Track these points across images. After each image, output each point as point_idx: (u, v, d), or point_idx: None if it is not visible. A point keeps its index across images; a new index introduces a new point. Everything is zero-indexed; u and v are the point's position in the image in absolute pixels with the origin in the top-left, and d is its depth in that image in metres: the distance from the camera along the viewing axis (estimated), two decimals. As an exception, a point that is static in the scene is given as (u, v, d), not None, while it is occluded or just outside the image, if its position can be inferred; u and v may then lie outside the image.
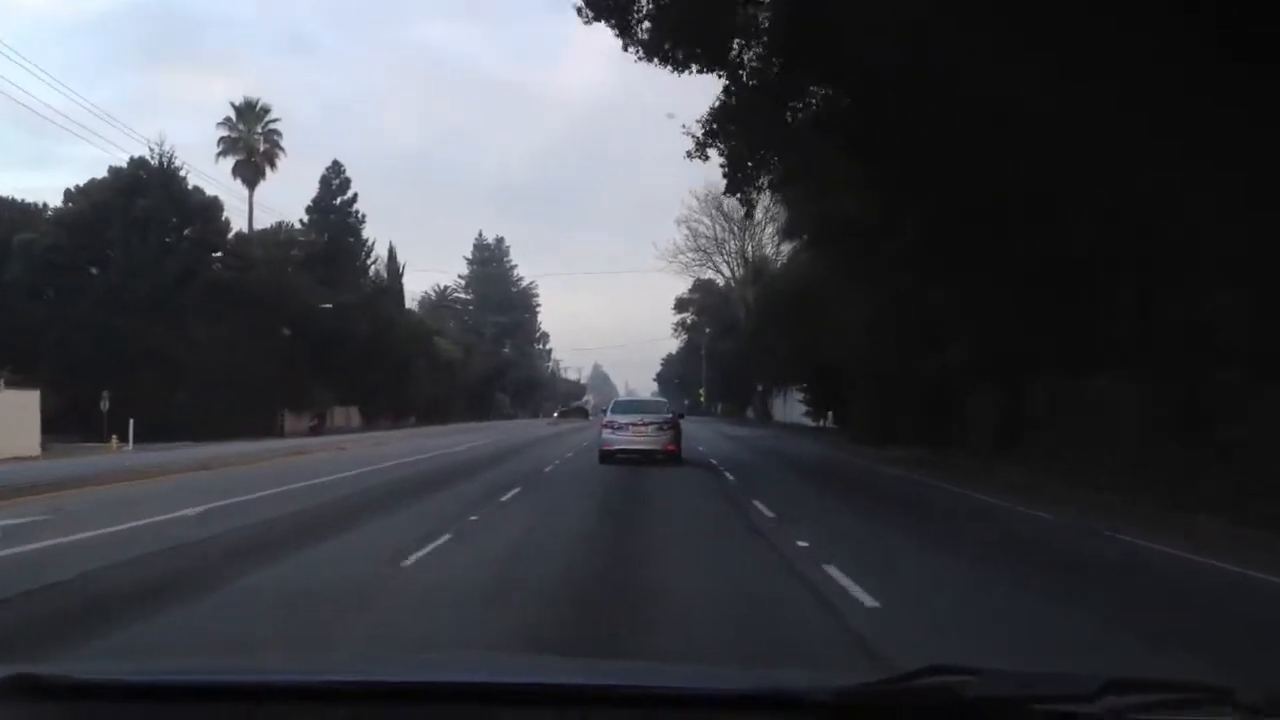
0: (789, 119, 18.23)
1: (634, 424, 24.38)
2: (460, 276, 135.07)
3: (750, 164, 19.74)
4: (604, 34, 34.84)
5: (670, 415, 25.08)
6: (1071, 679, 2.06)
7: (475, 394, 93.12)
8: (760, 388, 61.74)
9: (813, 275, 36.44)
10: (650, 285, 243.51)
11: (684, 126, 19.18)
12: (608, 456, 23.40)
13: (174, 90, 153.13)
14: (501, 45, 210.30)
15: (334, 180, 64.22)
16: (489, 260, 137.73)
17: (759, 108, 17.32)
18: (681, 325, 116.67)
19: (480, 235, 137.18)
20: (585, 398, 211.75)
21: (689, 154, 19.43)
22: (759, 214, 48.91)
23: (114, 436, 37.53)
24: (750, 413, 77.91)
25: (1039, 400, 20.07)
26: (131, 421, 37.37)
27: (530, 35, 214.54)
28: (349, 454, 30.73)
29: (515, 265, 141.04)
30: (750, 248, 67.63)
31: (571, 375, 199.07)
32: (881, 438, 30.33)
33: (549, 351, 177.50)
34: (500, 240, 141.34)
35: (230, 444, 36.27)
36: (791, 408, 56.44)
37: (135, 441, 36.58)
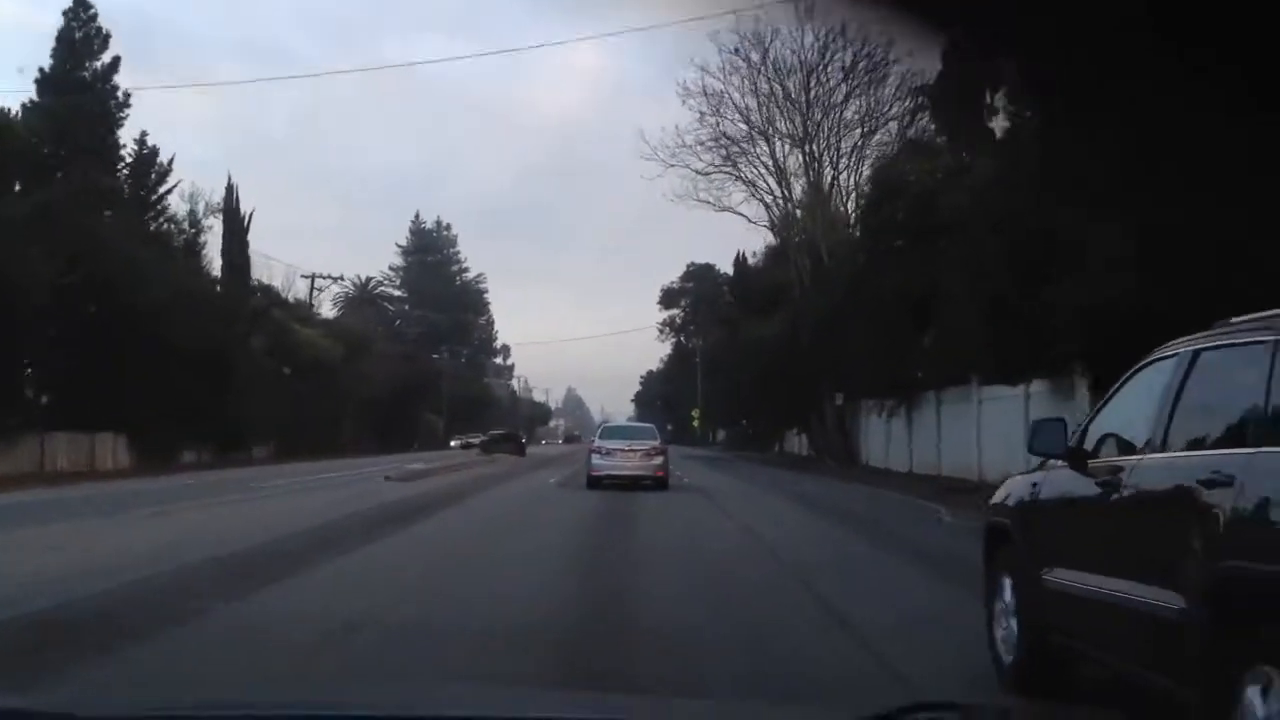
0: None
1: (622, 449, 24.65)
2: (391, 268, 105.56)
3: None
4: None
5: (658, 441, 25.32)
6: (1046, 715, 2.38)
7: (388, 414, 63.52)
8: (840, 398, 32.16)
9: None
10: (629, 299, 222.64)
11: None
12: (595, 482, 23.67)
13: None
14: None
15: (76, 31, 35.07)
16: (428, 249, 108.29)
17: None
18: (669, 326, 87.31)
19: (418, 218, 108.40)
20: (555, 423, 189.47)
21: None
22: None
23: None
24: (798, 445, 47.82)
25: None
26: None
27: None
28: None
29: (462, 256, 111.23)
30: (828, 137, 37.73)
31: (540, 397, 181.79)
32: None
33: (510, 368, 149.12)
34: (444, 225, 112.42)
35: None
36: (901, 440, 28.89)
37: None
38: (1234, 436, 3.89)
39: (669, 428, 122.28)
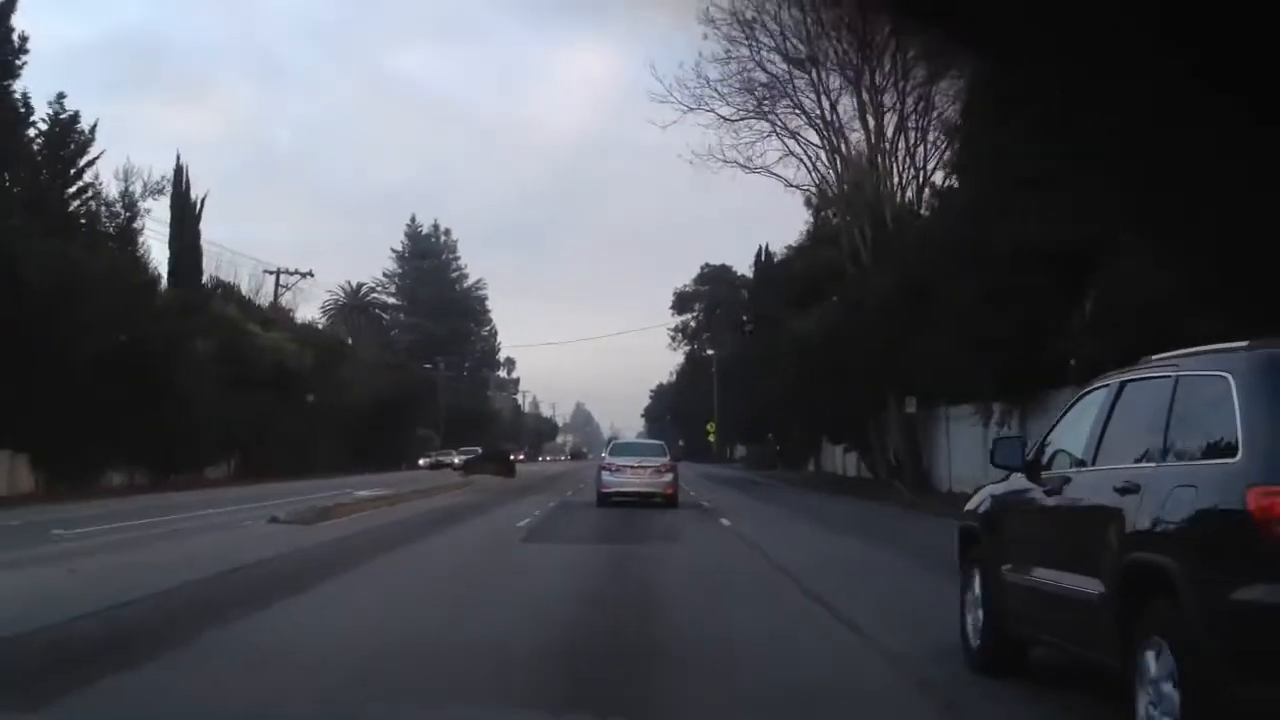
0: None
1: (631, 466, 24.30)
2: (385, 274, 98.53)
3: None
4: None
5: (667, 458, 24.78)
6: None
7: (373, 429, 56.37)
8: (911, 404, 24.45)
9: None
10: (639, 309, 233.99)
11: None
12: (605, 499, 23.59)
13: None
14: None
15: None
16: (426, 254, 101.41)
17: None
18: (681, 333, 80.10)
19: (414, 220, 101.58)
20: (563, 439, 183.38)
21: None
22: None
23: None
24: (841, 464, 40.42)
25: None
26: None
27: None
28: None
29: (462, 262, 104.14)
30: (890, 72, 29.64)
31: (549, 413, 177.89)
32: None
33: (515, 381, 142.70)
34: (443, 230, 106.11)
35: None
36: (971, 456, 23.39)
37: None
38: (1143, 453, 4.88)
39: (681, 443, 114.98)
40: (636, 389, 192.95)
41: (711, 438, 74.74)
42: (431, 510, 21.19)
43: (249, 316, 45.71)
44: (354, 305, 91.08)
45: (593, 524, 17.77)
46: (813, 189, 30.93)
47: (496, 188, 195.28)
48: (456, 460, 52.71)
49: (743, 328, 71.69)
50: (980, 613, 6.45)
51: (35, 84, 41.98)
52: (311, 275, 52.41)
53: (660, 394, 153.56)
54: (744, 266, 75.34)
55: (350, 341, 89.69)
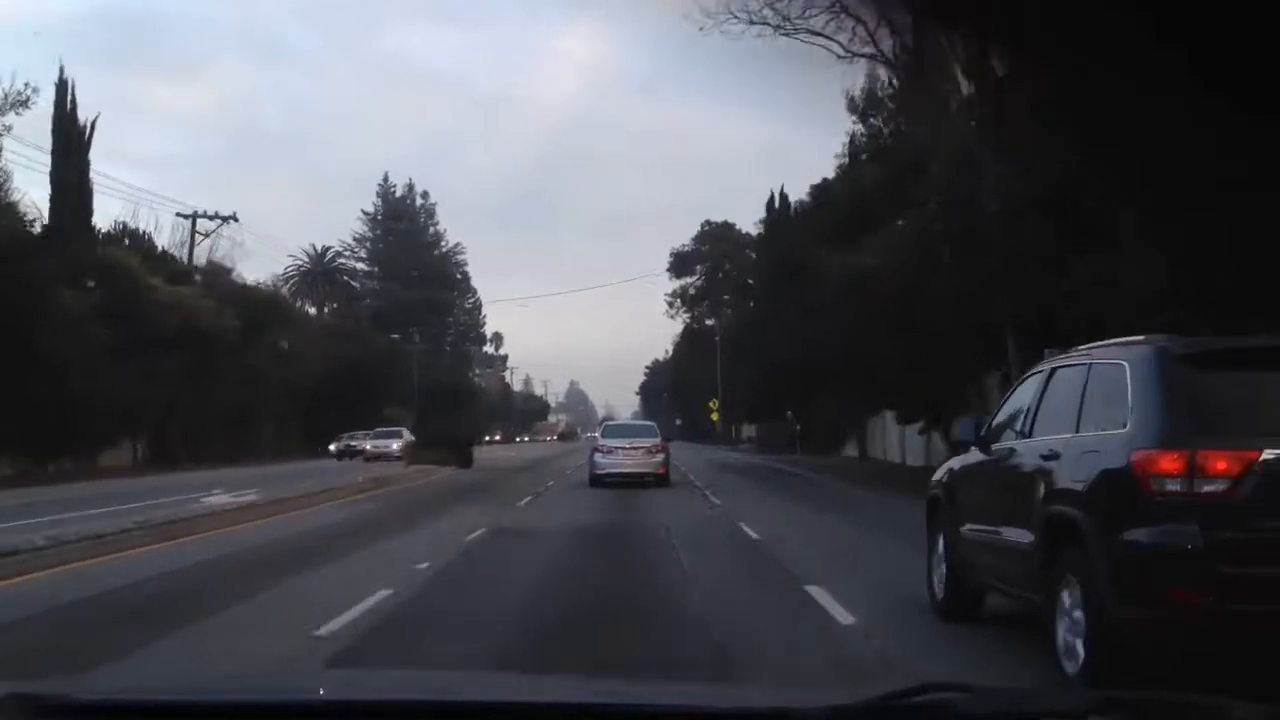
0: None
1: (624, 448, 24.69)
2: (355, 238, 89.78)
3: None
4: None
5: (659, 440, 25.46)
6: (1060, 697, 2.49)
7: (328, 407, 47.83)
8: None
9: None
10: (632, 293, 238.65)
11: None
12: (598, 480, 23.79)
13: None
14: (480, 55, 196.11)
15: None
16: (399, 216, 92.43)
17: None
18: (680, 299, 71.54)
19: (387, 180, 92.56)
20: (556, 418, 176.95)
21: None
22: None
23: None
24: (902, 449, 31.68)
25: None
26: None
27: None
28: None
29: (442, 228, 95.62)
30: None
31: (540, 391, 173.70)
32: None
33: (503, 358, 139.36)
34: (419, 192, 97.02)
35: None
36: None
37: None
38: (1064, 426, 5.90)
39: (678, 422, 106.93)
40: (632, 366, 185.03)
41: (715, 416, 65.78)
42: (233, 554, 11.43)
43: (156, 268, 36.87)
44: (319, 271, 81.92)
45: (530, 599, 8.79)
46: (877, 57, 22.08)
47: (486, 164, 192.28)
48: (368, 447, 40.05)
49: (750, 291, 63.41)
50: (943, 568, 7.41)
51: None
52: (235, 220, 43.33)
53: (656, 370, 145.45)
54: (748, 224, 66.86)
55: (315, 310, 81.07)
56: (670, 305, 76.01)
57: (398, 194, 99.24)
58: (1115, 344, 5.93)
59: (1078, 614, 5.25)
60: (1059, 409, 6.13)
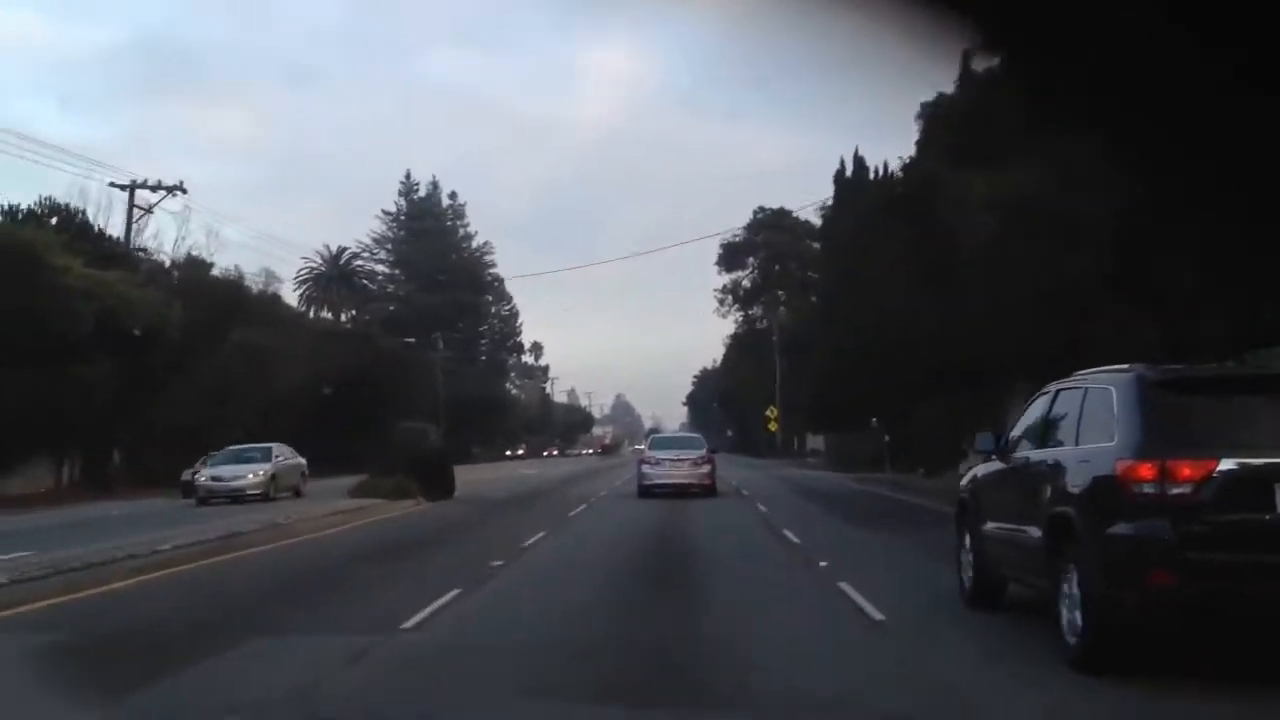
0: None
1: (671, 459, 25.34)
2: (375, 238, 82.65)
3: None
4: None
5: (704, 451, 26.17)
6: None
7: (326, 420, 39.63)
8: None
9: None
10: (678, 302, 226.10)
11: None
12: (646, 491, 24.49)
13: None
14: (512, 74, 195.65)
15: None
16: (424, 215, 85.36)
17: None
18: (731, 295, 62.89)
19: (409, 178, 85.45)
20: (601, 430, 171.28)
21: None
22: None
23: None
24: None
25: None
26: None
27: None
28: None
29: (471, 229, 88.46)
30: None
31: (584, 403, 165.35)
32: None
33: (544, 369, 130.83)
34: (446, 192, 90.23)
35: None
36: None
37: None
38: (1066, 439, 7.28)
39: (729, 434, 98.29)
40: (679, 377, 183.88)
41: (773, 426, 57.01)
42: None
43: (85, 250, 29.02)
44: (334, 274, 74.20)
45: None
46: None
47: (524, 179, 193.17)
48: (202, 478, 26.13)
49: (812, 285, 54.98)
50: (969, 561, 8.86)
51: None
52: (182, 190, 35.46)
53: (704, 379, 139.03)
54: (806, 213, 58.34)
55: (331, 315, 73.55)
56: (720, 303, 68.36)
57: (421, 193, 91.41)
58: (1106, 370, 7.24)
59: (1076, 595, 6.49)
60: (1062, 425, 7.55)
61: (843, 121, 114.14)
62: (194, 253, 42.92)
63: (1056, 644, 6.57)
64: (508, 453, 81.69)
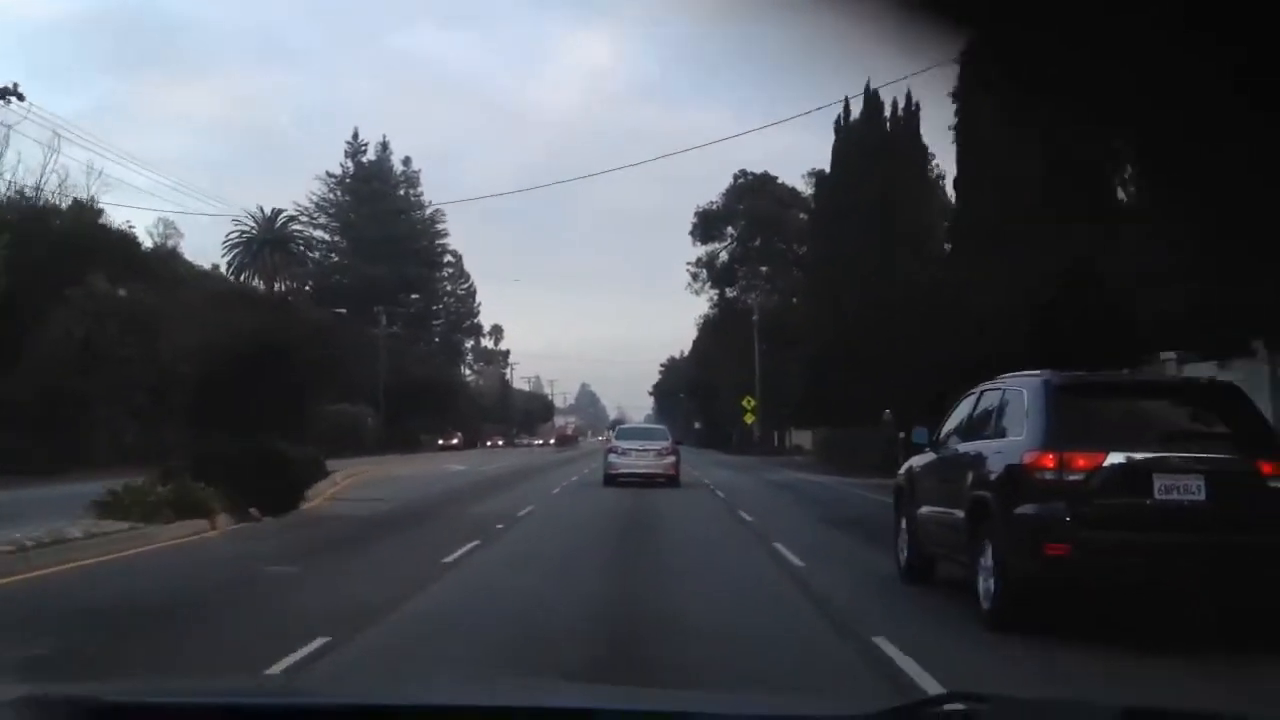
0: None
1: (637, 449, 26.69)
2: (315, 200, 75.31)
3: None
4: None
5: (669, 442, 27.58)
6: (1085, 709, 2.45)
7: (222, 397, 31.26)
8: None
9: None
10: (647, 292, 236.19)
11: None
12: (611, 480, 25.97)
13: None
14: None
15: None
16: (370, 177, 77.99)
17: None
18: (706, 269, 55.68)
19: (356, 138, 78.05)
20: (564, 420, 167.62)
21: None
22: None
23: None
24: None
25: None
26: None
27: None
28: None
29: (426, 199, 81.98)
30: None
31: (546, 390, 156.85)
32: None
33: (504, 354, 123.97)
34: (399, 159, 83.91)
35: None
36: None
37: None
38: (984, 433, 8.47)
39: (696, 425, 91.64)
40: (646, 368, 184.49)
41: (750, 418, 50.26)
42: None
43: None
44: (268, 239, 66.12)
45: None
46: None
47: (493, 166, 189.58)
48: None
49: (799, 260, 48.22)
50: (903, 540, 10.21)
51: None
52: (18, 97, 27.67)
53: (673, 368, 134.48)
54: (793, 179, 51.58)
55: (264, 286, 65.50)
56: (694, 278, 61.60)
57: (370, 156, 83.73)
58: (1021, 375, 8.50)
59: (990, 566, 7.74)
60: (983, 421, 8.80)
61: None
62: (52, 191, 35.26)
63: (972, 606, 8.00)
64: (440, 441, 72.86)
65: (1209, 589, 7.45)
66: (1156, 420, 7.83)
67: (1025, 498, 7.34)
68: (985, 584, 7.74)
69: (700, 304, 70.96)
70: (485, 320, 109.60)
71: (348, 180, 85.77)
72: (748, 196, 60.24)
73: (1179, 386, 10.07)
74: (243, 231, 69.55)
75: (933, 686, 5.88)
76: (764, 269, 62.20)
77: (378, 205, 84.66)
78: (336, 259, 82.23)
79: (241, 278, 69.83)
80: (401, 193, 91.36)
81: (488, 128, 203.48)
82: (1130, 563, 7.09)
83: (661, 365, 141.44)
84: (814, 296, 41.73)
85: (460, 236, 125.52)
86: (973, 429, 8.87)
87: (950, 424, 9.57)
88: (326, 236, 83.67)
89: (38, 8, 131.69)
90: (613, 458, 26.47)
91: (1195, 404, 8.36)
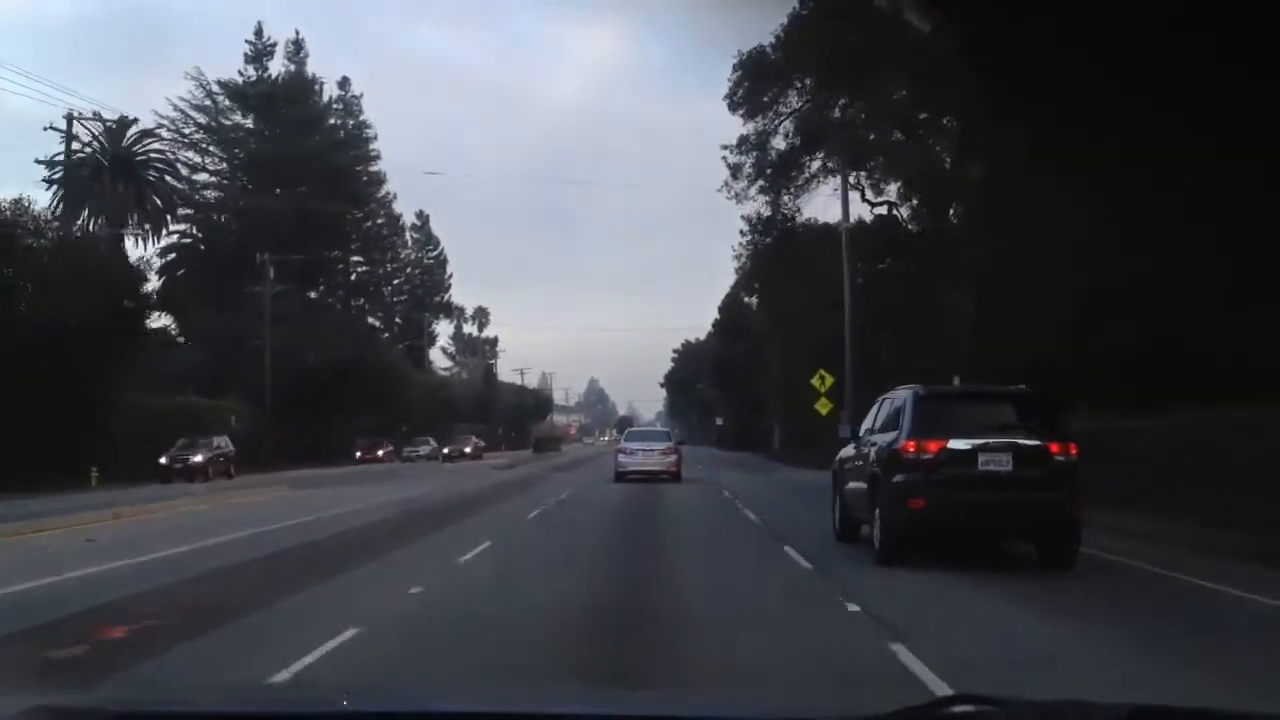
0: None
1: (643, 449, 41.34)
2: (193, 105, 75.52)
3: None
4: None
5: (672, 443, 42.99)
6: (1095, 709, 3.07)
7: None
8: None
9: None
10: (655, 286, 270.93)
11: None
12: (621, 476, 39.93)
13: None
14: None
15: None
16: (280, 97, 79.12)
17: None
18: (755, 155, 40.48)
19: (261, 35, 78.23)
20: (569, 419, 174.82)
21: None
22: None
23: None
24: None
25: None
26: None
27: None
28: None
29: (370, 131, 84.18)
30: None
31: (559, 393, 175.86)
32: None
33: (491, 341, 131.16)
34: (324, 77, 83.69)
35: None
36: None
37: None
38: (885, 427, 17.22)
39: (719, 421, 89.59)
40: (654, 359, 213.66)
41: (824, 409, 45.62)
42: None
43: None
44: (111, 162, 62.13)
45: None
46: None
47: (496, 161, 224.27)
48: None
49: (926, 136, 38.25)
50: (837, 510, 19.64)
51: None
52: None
53: (688, 353, 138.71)
54: None
55: (113, 225, 61.41)
56: (733, 173, 46.77)
57: (276, 61, 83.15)
58: (905, 387, 17.16)
59: (878, 519, 16.39)
60: (884, 419, 17.44)
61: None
62: None
63: (869, 549, 16.53)
64: (359, 454, 66.94)
65: (1014, 529, 15.93)
66: (985, 418, 15.93)
67: (898, 471, 15.61)
68: (876, 533, 16.32)
69: (735, 223, 51.88)
70: (470, 301, 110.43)
71: (248, 94, 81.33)
72: (828, 20, 37.56)
73: (1003, 394, 17.65)
74: (75, 150, 60.73)
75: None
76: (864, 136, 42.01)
77: (290, 128, 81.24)
78: (222, 195, 79.44)
79: (71, 213, 58.64)
80: (333, 122, 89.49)
81: (492, 117, 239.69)
82: (964, 512, 15.14)
83: (675, 351, 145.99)
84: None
85: (458, 234, 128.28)
86: (875, 426, 17.70)
87: (867, 422, 18.61)
88: (200, 159, 79.12)
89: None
90: (622, 458, 40.94)
91: (1012, 406, 16.64)
